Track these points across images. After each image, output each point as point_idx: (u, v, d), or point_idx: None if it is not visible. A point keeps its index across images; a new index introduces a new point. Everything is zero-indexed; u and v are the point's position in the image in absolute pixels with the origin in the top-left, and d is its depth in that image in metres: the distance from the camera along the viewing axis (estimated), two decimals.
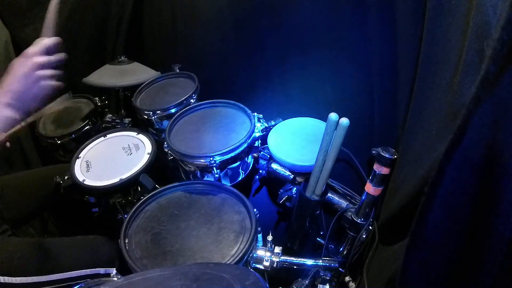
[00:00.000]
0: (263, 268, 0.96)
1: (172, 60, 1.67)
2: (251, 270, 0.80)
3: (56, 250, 1.01)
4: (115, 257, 1.06)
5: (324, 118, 1.07)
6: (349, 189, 1.25)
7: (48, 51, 0.95)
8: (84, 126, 1.47)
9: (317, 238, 1.23)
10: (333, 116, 0.93)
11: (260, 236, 1.02)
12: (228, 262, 0.86)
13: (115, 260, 1.06)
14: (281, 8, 1.30)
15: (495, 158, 0.49)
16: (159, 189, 1.10)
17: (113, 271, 1.03)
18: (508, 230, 0.49)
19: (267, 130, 1.29)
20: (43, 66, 0.92)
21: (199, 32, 1.60)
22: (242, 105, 1.30)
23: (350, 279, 1.15)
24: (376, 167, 0.93)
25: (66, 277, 0.96)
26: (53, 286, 0.95)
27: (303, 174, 1.19)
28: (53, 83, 0.95)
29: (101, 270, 1.02)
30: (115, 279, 0.98)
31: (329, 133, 0.95)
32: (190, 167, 1.18)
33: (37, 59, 0.91)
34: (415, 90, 0.88)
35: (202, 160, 1.11)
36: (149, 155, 1.19)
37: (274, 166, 1.26)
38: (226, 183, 1.19)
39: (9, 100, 0.87)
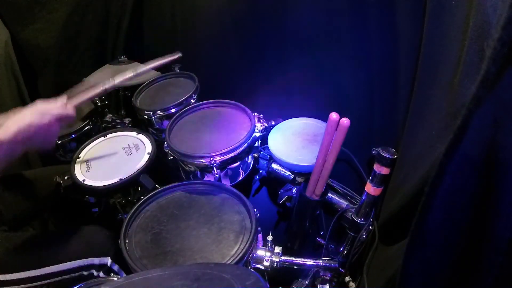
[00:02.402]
0: (263, 268, 0.96)
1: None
2: (252, 270, 0.80)
3: (49, 242, 1.01)
4: (110, 247, 1.05)
5: (324, 118, 1.07)
6: (349, 189, 1.25)
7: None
8: (84, 126, 1.47)
9: (317, 238, 1.23)
10: (333, 116, 0.93)
11: (260, 236, 1.02)
12: (228, 262, 0.86)
13: (109, 250, 1.05)
14: (281, 8, 1.30)
15: (495, 158, 0.49)
16: (159, 189, 1.10)
17: (108, 260, 1.02)
18: (508, 230, 0.49)
19: (267, 130, 1.29)
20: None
21: (199, 32, 1.60)
22: (242, 105, 1.30)
23: (350, 279, 1.15)
24: (376, 167, 0.93)
25: (60, 269, 0.95)
26: (50, 280, 0.95)
27: (303, 174, 1.19)
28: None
29: (96, 260, 1.01)
30: (115, 279, 0.98)
31: (330, 133, 0.95)
32: (190, 167, 1.18)
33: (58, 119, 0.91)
34: (415, 90, 0.88)
35: (202, 160, 1.11)
36: (149, 155, 1.19)
37: (274, 166, 1.27)
38: (226, 183, 1.19)
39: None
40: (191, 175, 1.21)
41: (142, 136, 1.29)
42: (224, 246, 0.91)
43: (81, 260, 0.99)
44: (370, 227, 1.05)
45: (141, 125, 1.46)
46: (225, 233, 0.95)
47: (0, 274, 0.90)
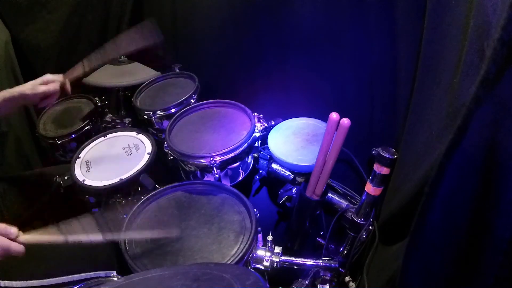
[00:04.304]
0: (263, 268, 0.96)
1: (172, 60, 1.67)
2: (251, 270, 0.80)
3: (56, 253, 1.01)
4: (115, 260, 1.06)
5: (324, 118, 1.07)
6: (349, 189, 1.25)
7: None
8: (84, 126, 1.47)
9: (317, 238, 1.23)
10: (334, 116, 0.93)
11: (260, 236, 1.02)
12: (228, 262, 0.86)
13: (115, 263, 1.05)
14: (282, 8, 1.30)
15: (495, 158, 0.49)
16: (159, 189, 1.10)
17: (113, 274, 1.03)
18: (508, 230, 0.49)
19: (267, 130, 1.29)
20: None
21: (199, 32, 1.60)
22: (242, 105, 1.30)
23: (350, 279, 1.15)
24: (376, 167, 0.93)
25: (67, 280, 0.96)
26: None
27: (303, 174, 1.19)
28: None
29: (101, 274, 1.02)
30: (115, 279, 0.98)
31: (330, 133, 0.95)
32: (190, 167, 1.18)
33: None
34: (415, 90, 0.88)
35: (202, 160, 1.11)
36: (149, 155, 1.19)
37: (274, 166, 1.26)
38: (226, 183, 1.19)
39: None
40: (191, 175, 1.21)
41: (142, 136, 1.29)
42: (224, 246, 0.91)
43: (88, 273, 0.99)
44: (370, 227, 1.05)
45: (141, 125, 1.46)
46: (225, 233, 0.95)
47: (7, 281, 0.90)
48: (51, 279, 0.94)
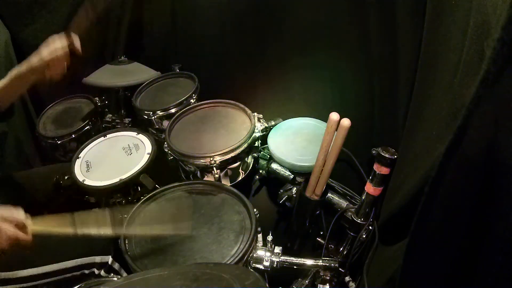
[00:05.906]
0: (263, 268, 0.96)
1: (172, 60, 1.67)
2: (251, 270, 0.80)
3: (52, 242, 1.01)
4: (111, 245, 1.05)
5: (324, 118, 1.07)
6: (349, 189, 1.25)
7: None
8: (84, 126, 1.47)
9: (317, 238, 1.23)
10: (334, 116, 0.93)
11: (260, 236, 1.02)
12: (228, 262, 0.86)
13: (110, 248, 1.05)
14: (282, 8, 1.30)
15: (495, 158, 0.49)
16: (159, 189, 1.10)
17: (109, 258, 1.02)
18: (508, 230, 0.49)
19: (267, 130, 1.29)
20: None
21: (199, 32, 1.60)
22: (242, 105, 1.30)
23: (350, 279, 1.15)
24: (376, 167, 0.93)
25: (63, 267, 0.96)
26: (52, 279, 0.95)
27: (303, 174, 1.19)
28: None
29: (97, 259, 1.01)
30: (115, 279, 0.98)
31: (330, 133, 0.95)
32: (190, 167, 1.18)
33: None
34: (415, 90, 0.88)
35: (202, 160, 1.11)
36: (149, 155, 1.19)
37: (274, 166, 1.26)
38: (226, 183, 1.19)
39: None
40: (191, 175, 1.21)
41: (142, 136, 1.29)
42: (224, 246, 0.91)
43: (83, 258, 0.99)
44: (370, 227, 1.05)
45: (141, 125, 1.46)
46: (225, 233, 0.95)
47: (4, 272, 0.90)
48: (46, 267, 0.93)
